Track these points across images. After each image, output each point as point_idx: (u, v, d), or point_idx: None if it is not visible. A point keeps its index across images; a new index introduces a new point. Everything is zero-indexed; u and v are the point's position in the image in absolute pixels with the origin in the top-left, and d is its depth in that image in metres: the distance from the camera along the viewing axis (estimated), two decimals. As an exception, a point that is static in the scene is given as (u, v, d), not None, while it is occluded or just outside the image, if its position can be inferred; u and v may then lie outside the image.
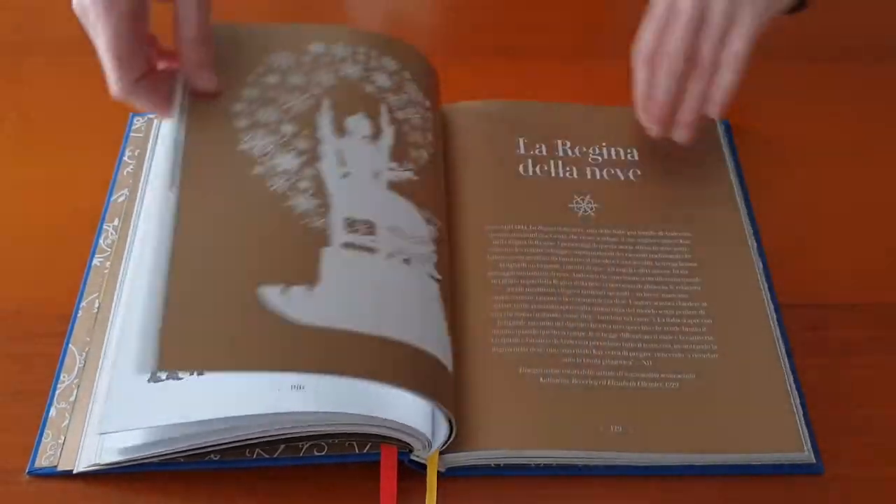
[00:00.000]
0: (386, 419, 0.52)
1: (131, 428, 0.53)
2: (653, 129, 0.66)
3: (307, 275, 0.53)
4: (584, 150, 0.70)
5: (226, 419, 0.52)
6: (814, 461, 0.56)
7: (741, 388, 0.58)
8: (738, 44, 0.62)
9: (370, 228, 0.56)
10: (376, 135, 0.60)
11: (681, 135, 0.66)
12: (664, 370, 0.58)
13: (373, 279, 0.54)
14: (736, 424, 0.56)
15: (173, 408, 0.52)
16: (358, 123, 0.60)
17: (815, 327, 0.63)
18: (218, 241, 0.53)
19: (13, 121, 0.74)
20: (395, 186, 0.59)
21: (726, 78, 0.63)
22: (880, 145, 0.74)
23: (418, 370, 0.52)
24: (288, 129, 0.59)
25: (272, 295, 0.51)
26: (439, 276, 0.57)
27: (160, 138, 0.66)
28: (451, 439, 0.54)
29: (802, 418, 0.57)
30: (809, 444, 0.57)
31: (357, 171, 0.58)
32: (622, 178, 0.68)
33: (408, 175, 0.60)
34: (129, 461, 0.54)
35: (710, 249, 0.64)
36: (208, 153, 0.57)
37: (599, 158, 0.70)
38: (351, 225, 0.56)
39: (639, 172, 0.69)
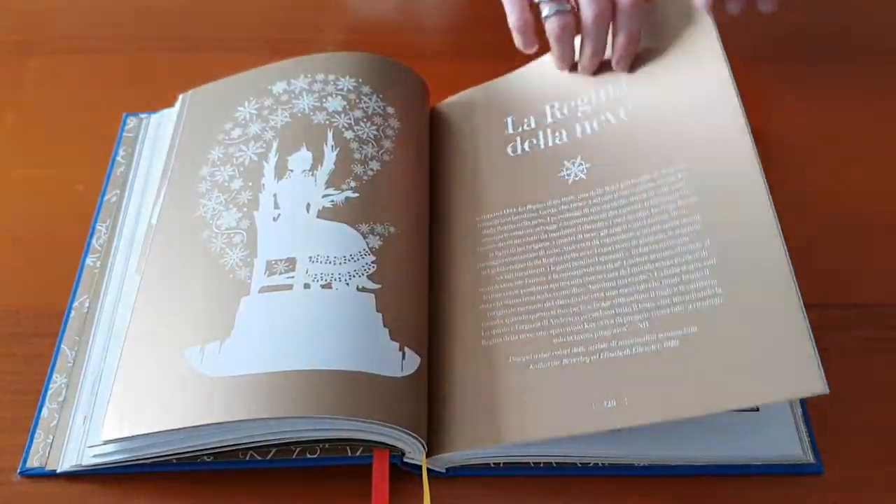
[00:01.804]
0: (378, 424, 0.52)
1: (128, 436, 0.53)
2: (731, 6, 0.67)
3: (224, 329, 0.56)
4: (573, 104, 0.69)
5: (217, 427, 0.53)
6: (813, 461, 0.56)
7: (749, 330, 0.52)
8: None
9: (290, 265, 0.58)
10: (316, 165, 0.63)
11: (767, 7, 0.68)
12: (661, 329, 0.54)
13: (287, 315, 0.56)
14: (742, 372, 0.51)
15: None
16: (298, 159, 0.63)
17: (814, 327, 0.62)
18: (164, 312, 0.58)
19: (11, 121, 0.74)
20: (327, 212, 0.61)
21: None
22: (882, 145, 0.74)
23: (336, 393, 0.53)
24: (237, 184, 0.63)
25: (191, 356, 0.55)
26: (375, 286, 0.58)
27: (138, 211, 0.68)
28: (429, 444, 0.55)
29: (801, 418, 0.57)
30: (808, 445, 0.56)
31: (288, 210, 0.61)
32: (613, 121, 0.66)
33: (346, 195, 0.61)
34: (118, 462, 0.54)
35: (710, 179, 0.59)
36: (172, 228, 0.62)
37: (588, 108, 0.68)
38: (271, 267, 0.58)
39: (629, 107, 0.66)
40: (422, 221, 0.64)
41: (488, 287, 0.61)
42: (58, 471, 0.55)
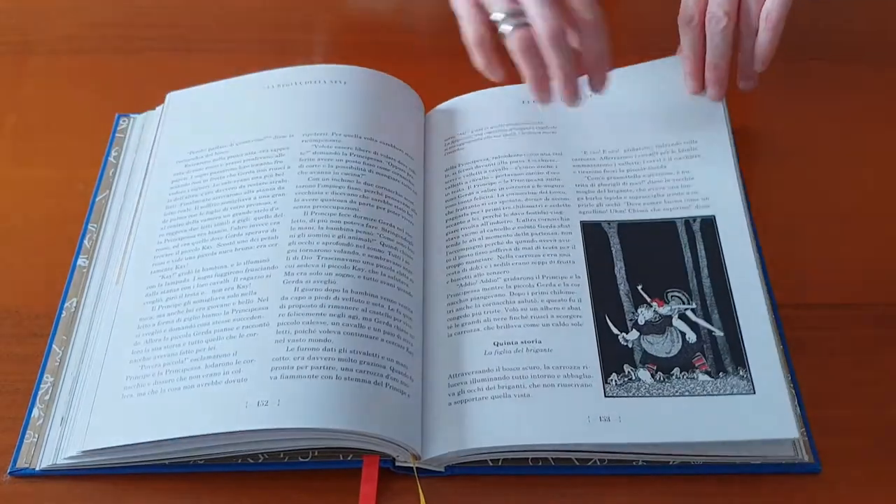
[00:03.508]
0: (365, 434, 0.53)
1: (110, 445, 0.53)
2: (711, 93, 0.67)
3: None
4: None
5: (203, 440, 0.53)
6: (812, 461, 0.56)
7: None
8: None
9: None
10: None
11: (747, 86, 0.68)
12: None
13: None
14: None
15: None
16: None
17: (814, 327, 0.63)
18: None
19: (12, 121, 0.74)
20: None
21: (766, 37, 0.65)
22: (881, 145, 0.74)
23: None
24: None
25: None
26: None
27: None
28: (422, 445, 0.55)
29: (800, 418, 0.57)
30: (806, 444, 0.56)
31: None
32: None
33: None
34: (93, 465, 0.54)
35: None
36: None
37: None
38: None
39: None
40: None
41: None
42: (36, 469, 0.55)
